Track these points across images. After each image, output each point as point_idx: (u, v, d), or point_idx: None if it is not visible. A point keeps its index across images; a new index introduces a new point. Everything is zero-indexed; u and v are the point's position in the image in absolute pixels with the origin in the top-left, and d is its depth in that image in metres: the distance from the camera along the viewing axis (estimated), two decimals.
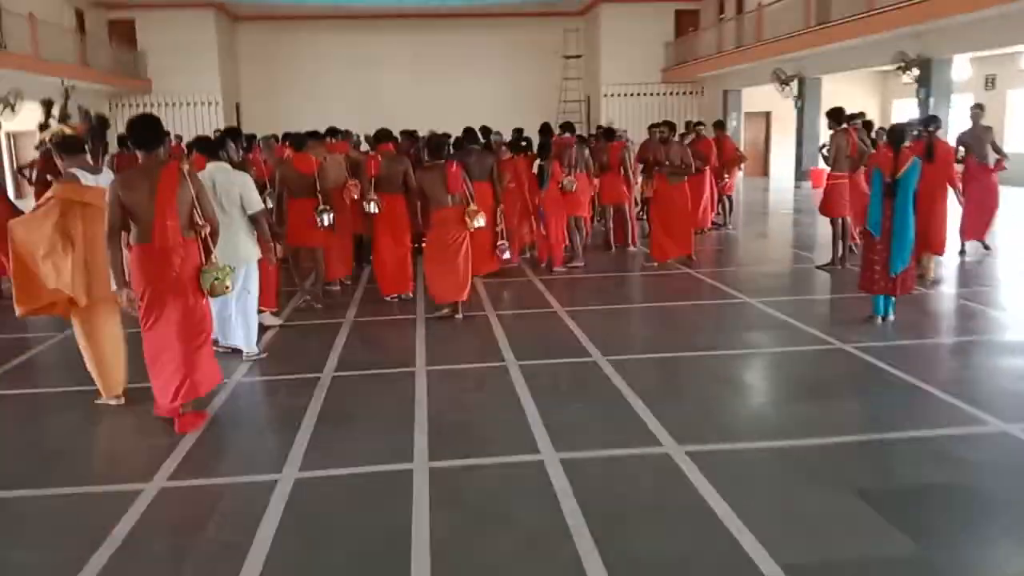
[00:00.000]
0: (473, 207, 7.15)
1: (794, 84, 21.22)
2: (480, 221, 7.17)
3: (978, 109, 9.87)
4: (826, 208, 9.17)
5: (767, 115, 26.86)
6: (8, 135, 22.75)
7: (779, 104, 23.70)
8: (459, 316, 7.28)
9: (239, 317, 6.10)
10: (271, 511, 3.55)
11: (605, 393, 5.09)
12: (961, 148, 9.75)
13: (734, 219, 13.40)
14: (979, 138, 9.75)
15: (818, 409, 4.76)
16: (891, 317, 6.69)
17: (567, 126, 10.77)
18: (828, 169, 9.23)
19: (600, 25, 27.97)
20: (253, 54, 29.15)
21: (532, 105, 28.86)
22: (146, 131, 4.56)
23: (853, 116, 9.59)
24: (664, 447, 4.16)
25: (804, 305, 7.63)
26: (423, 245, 7.64)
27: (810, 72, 20.69)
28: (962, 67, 19.59)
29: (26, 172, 11.38)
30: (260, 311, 7.04)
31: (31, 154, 14.84)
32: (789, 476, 3.84)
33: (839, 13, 17.16)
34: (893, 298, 6.68)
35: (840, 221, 9.16)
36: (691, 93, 28.31)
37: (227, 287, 4.64)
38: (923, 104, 15.89)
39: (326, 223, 7.66)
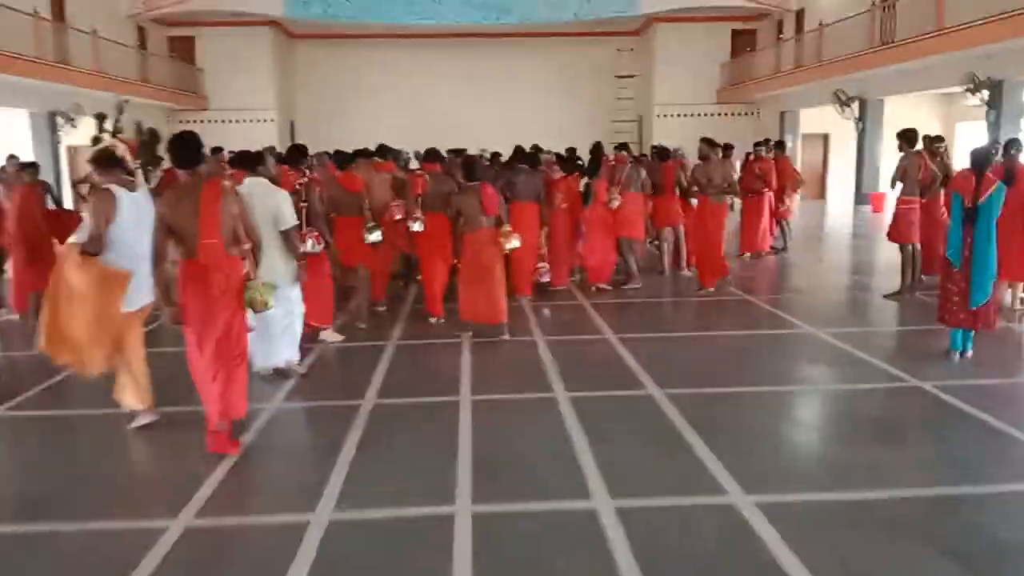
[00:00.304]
0: (507, 227, 7.04)
1: (855, 105, 20.61)
2: (515, 242, 7.07)
3: None
4: (895, 234, 8.69)
5: (825, 137, 26.18)
6: (69, 148, 23.26)
7: (838, 126, 23.06)
8: (505, 336, 7.11)
9: (286, 334, 6.04)
10: (301, 558, 3.29)
11: (662, 431, 4.75)
12: None
13: (793, 243, 12.86)
14: None
15: (894, 454, 4.36)
16: (969, 353, 6.22)
17: (622, 146, 10.45)
18: (896, 193, 8.77)
19: (654, 44, 27.65)
20: (309, 72, 29.48)
21: (585, 125, 28.64)
22: (186, 149, 4.52)
23: (935, 139, 9.10)
24: (729, 494, 3.81)
25: (872, 337, 7.18)
26: (457, 265, 7.50)
27: (872, 93, 20.07)
28: None
29: (80, 188, 11.52)
30: (319, 328, 7.00)
31: (85, 168, 15.00)
32: (866, 532, 3.45)
33: (905, 32, 16.59)
34: (972, 332, 6.22)
35: (910, 247, 8.67)
36: (747, 114, 27.75)
37: (267, 302, 4.56)
38: (992, 127, 15.22)
39: (373, 240, 7.48)
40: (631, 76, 29.22)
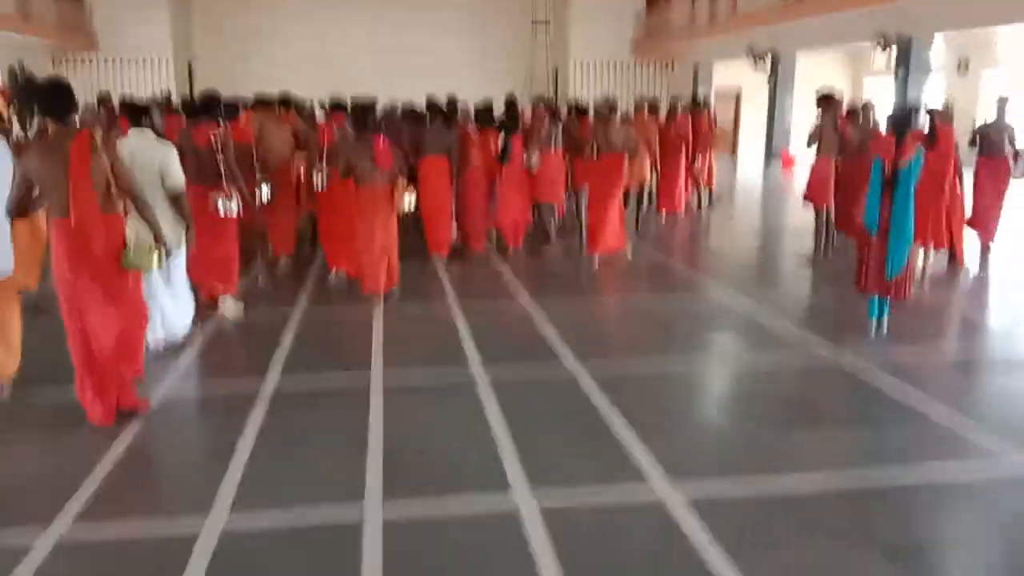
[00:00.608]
0: (403, 183, 6.71)
1: (767, 60, 20.72)
2: (409, 201, 6.76)
3: (1003, 102, 8.84)
4: (809, 194, 8.70)
5: (738, 92, 26.37)
6: None
7: (750, 81, 23.22)
8: (388, 295, 6.88)
9: (173, 302, 5.58)
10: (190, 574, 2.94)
11: (583, 413, 4.53)
12: (976, 139, 8.85)
13: (708, 204, 12.83)
14: (1000, 131, 8.67)
15: (819, 439, 4.23)
16: (885, 320, 6.23)
17: (541, 100, 10.09)
18: (812, 153, 8.74)
19: None
20: (208, 9, 27.78)
21: (501, 73, 28.00)
22: (56, 98, 4.14)
23: (864, 106, 8.93)
24: (654, 489, 3.61)
25: (789, 303, 7.16)
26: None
27: (784, 48, 20.19)
28: (935, 50, 19.25)
29: None
30: (218, 297, 6.50)
31: None
32: (800, 528, 3.32)
33: None
34: (888, 300, 6.21)
35: (824, 209, 8.70)
36: (664, 66, 27.68)
37: (145, 265, 4.24)
38: (901, 83, 15.50)
39: (263, 199, 6.98)
40: (547, 22, 28.65)
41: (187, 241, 5.21)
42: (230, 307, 6.51)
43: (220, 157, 6.16)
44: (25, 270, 5.58)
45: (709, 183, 12.66)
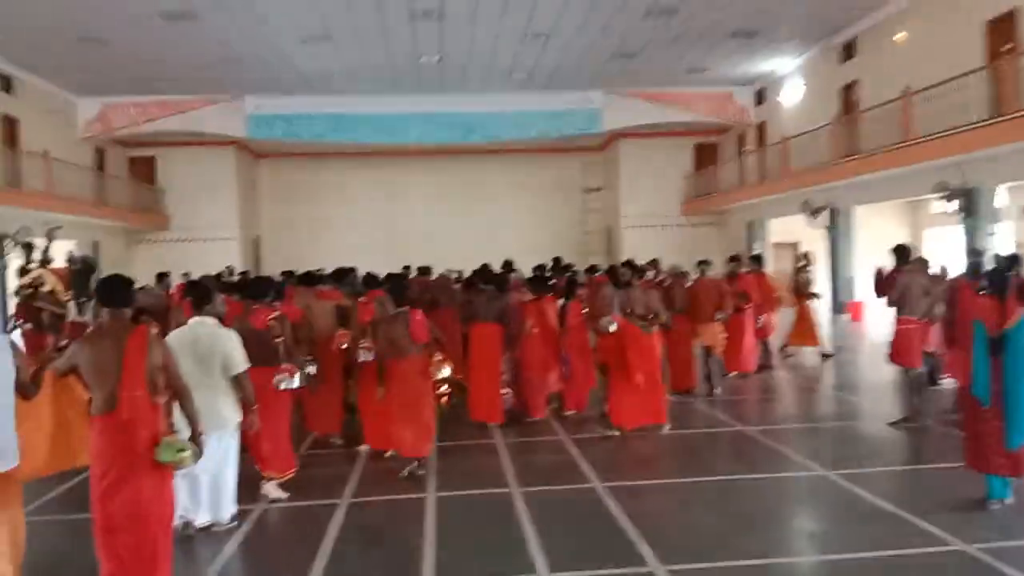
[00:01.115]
0: (439, 357, 6.75)
1: (825, 214, 20.50)
2: (445, 371, 6.79)
3: None
4: (897, 356, 8.06)
5: (795, 245, 26.10)
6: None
7: (807, 233, 22.96)
8: (421, 472, 6.65)
9: (211, 489, 5.44)
10: None
11: None
12: None
13: (776, 362, 12.17)
14: None
15: None
16: (1009, 500, 5.45)
17: (593, 269, 9.92)
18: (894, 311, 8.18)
19: (619, 159, 27.79)
20: (274, 190, 29.16)
21: (554, 238, 28.44)
22: (116, 290, 4.26)
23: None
24: None
25: (894, 480, 6.39)
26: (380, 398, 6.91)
27: (842, 202, 20.01)
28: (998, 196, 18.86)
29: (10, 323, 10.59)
30: (267, 478, 6.17)
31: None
32: None
33: (871, 144, 16.57)
34: (1010, 479, 5.46)
35: (914, 371, 8.03)
36: (713, 225, 27.74)
37: (184, 459, 4.15)
38: (970, 234, 14.98)
39: (309, 376, 6.63)
40: (598, 189, 29.27)
41: (251, 423, 5.39)
42: (272, 490, 6.14)
43: (279, 339, 6.10)
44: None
45: (804, 340, 12.30)
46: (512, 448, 7.58)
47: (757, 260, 12.35)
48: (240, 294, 7.11)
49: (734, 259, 11.78)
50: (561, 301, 9.04)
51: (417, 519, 5.64)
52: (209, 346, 5.26)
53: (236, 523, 5.54)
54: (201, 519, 5.42)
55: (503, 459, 7.20)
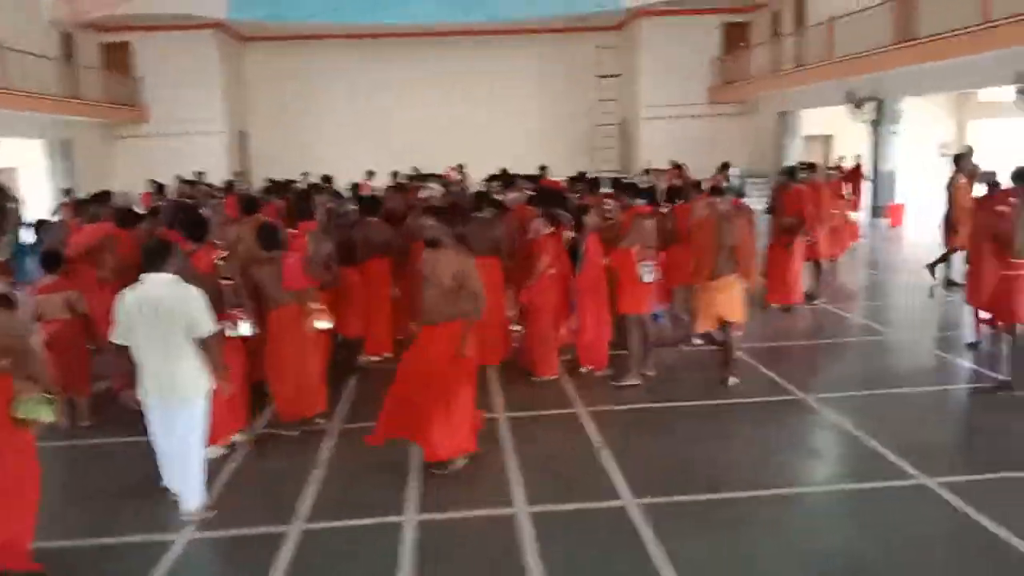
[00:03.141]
0: (313, 304, 5.90)
1: (869, 106, 18.40)
2: (323, 323, 5.96)
3: None
4: (1002, 310, 6.44)
5: (827, 139, 24.01)
6: None
7: (844, 127, 20.89)
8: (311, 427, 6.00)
9: (177, 466, 4.78)
10: None
11: None
12: None
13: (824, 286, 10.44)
14: None
15: None
16: None
17: (628, 187, 8.14)
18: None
19: (639, 40, 25.31)
20: (261, 78, 26.90)
21: (562, 131, 26.45)
22: None
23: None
24: None
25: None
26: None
27: (890, 94, 17.87)
28: None
29: None
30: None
31: None
32: None
33: (934, 27, 14.33)
34: None
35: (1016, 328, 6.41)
36: (741, 115, 25.51)
37: (43, 416, 4.06)
38: None
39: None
40: (614, 76, 26.85)
41: (224, 388, 4.91)
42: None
43: (228, 282, 5.59)
44: None
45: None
46: (513, 428, 6.07)
47: (812, 168, 10.47)
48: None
49: (809, 167, 9.91)
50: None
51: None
52: (170, 308, 4.56)
53: (208, 515, 4.78)
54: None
55: (502, 448, 5.71)
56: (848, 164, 15.53)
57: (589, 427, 6.01)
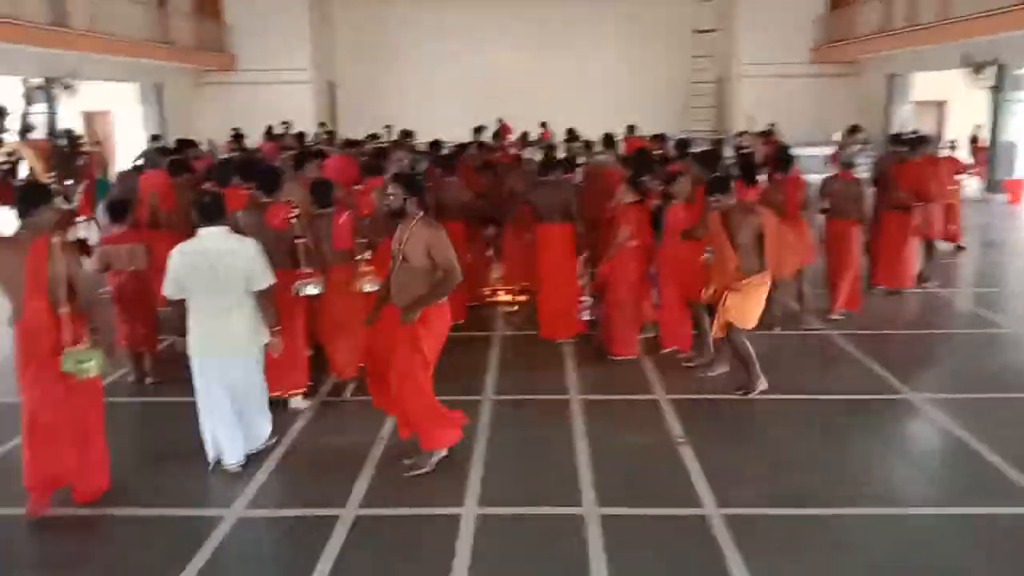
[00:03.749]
0: (364, 268, 5.60)
1: (988, 71, 16.94)
2: (372, 285, 5.49)
3: None
4: None
5: (940, 105, 22.41)
6: (84, 116, 21.06)
7: (959, 93, 19.39)
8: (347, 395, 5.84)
9: (242, 424, 4.78)
10: None
11: None
12: None
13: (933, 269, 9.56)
14: None
15: None
16: None
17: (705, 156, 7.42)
18: None
19: None
20: (350, 29, 26.65)
21: (654, 88, 25.42)
22: (24, 200, 4.16)
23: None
24: None
25: None
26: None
27: (1012, 58, 16.39)
28: None
29: None
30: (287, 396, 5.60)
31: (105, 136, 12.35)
32: None
33: None
34: None
35: None
36: (845, 76, 24.01)
37: (88, 372, 4.13)
38: None
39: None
40: (711, 31, 25.57)
41: (276, 345, 4.79)
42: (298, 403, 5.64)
43: (301, 240, 5.40)
44: None
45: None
46: (586, 412, 5.63)
47: (924, 142, 9.49)
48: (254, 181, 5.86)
49: (923, 141, 9.01)
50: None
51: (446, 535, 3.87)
52: (228, 261, 4.53)
53: (273, 440, 5.03)
54: (232, 459, 4.76)
55: (573, 435, 5.29)
56: (983, 137, 14.29)
57: (669, 417, 5.52)
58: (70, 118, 18.50)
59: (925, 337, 7.55)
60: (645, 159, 7.71)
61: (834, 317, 7.67)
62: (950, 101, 21.73)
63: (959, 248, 10.78)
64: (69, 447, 4.20)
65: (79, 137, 8.50)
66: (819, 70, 24.05)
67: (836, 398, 5.92)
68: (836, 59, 23.50)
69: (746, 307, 5.72)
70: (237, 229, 4.97)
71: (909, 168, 8.19)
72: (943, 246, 10.01)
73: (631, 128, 13.59)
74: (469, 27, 25.67)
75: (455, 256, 4.62)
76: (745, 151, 10.10)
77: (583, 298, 7.15)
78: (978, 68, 16.86)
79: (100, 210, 6.65)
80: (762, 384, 5.85)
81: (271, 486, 4.62)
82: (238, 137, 12.14)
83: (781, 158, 7.52)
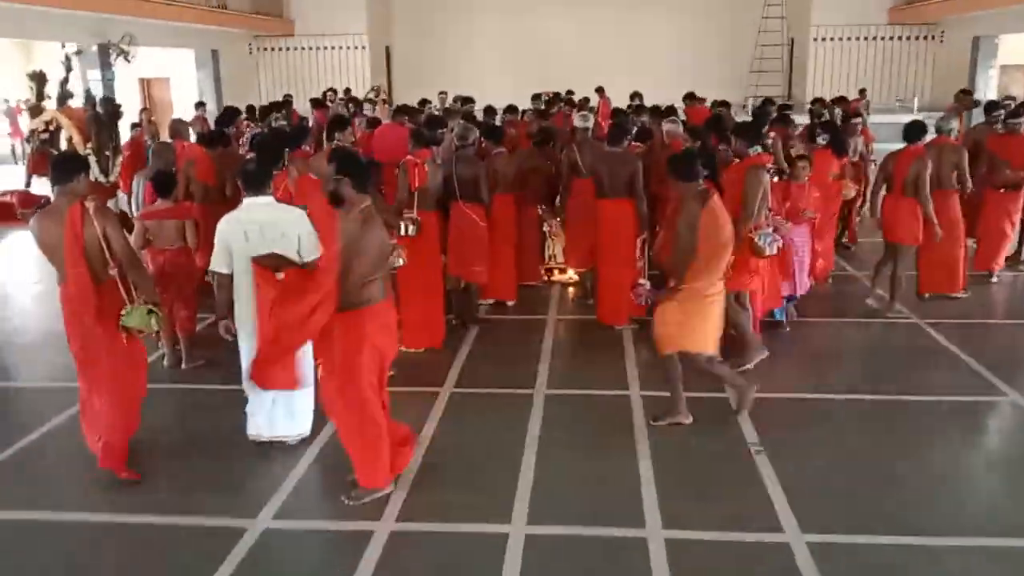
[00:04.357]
0: (409, 214, 5.73)
1: None
2: (411, 230, 5.64)
3: None
4: None
5: None
6: (142, 82, 21.04)
7: None
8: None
9: (283, 404, 4.61)
10: None
11: None
12: None
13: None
14: None
15: None
16: None
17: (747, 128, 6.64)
18: None
19: None
20: None
21: (720, 51, 24.22)
22: (58, 168, 4.26)
23: None
24: None
25: None
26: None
27: None
28: None
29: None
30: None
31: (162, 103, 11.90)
32: None
33: None
34: None
35: None
36: (927, 38, 22.57)
37: (143, 328, 4.24)
38: None
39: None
40: None
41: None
42: None
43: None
44: None
45: None
46: (648, 411, 5.13)
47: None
48: None
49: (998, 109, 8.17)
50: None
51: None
52: (280, 230, 4.36)
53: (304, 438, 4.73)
54: (271, 433, 4.67)
55: (635, 438, 4.80)
56: None
57: (742, 418, 4.99)
58: (128, 85, 18.49)
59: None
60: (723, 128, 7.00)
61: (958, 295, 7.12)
62: None
63: None
64: (108, 409, 4.31)
65: (118, 105, 8.21)
66: (898, 31, 22.62)
67: (930, 400, 5.30)
68: (916, 19, 22.05)
69: (697, 323, 4.67)
70: None
71: (1015, 141, 7.37)
72: None
73: (691, 96, 12.77)
74: None
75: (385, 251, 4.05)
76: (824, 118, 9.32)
77: (641, 280, 6.53)
78: None
79: (136, 183, 6.33)
80: (684, 418, 4.91)
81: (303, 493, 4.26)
82: (282, 104, 11.77)
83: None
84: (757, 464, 4.44)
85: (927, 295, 7.18)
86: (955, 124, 7.05)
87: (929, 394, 5.37)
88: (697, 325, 4.68)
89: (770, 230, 5.52)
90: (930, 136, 6.87)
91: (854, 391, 5.40)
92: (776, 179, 6.17)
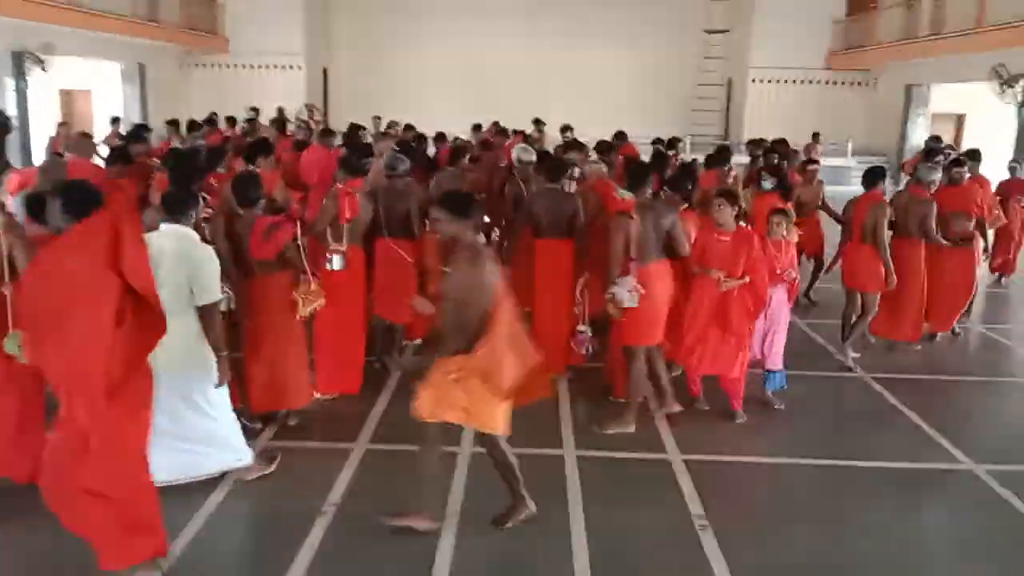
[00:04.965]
0: (310, 286, 4.87)
1: (1019, 86, 16.00)
2: (309, 309, 4.89)
3: None
4: None
5: (959, 119, 21.47)
6: (63, 94, 19.96)
7: (978, 106, 18.51)
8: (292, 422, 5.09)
9: (207, 441, 4.25)
10: None
11: None
12: None
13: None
14: None
15: None
16: None
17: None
18: None
19: None
20: (346, 14, 25.48)
21: (659, 88, 24.32)
22: None
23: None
24: None
25: None
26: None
27: None
28: None
29: None
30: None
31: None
32: None
33: None
34: None
35: None
36: (862, 84, 23.03)
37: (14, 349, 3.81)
38: None
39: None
40: (723, 31, 24.53)
41: (222, 376, 4.13)
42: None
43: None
44: None
45: None
46: (582, 477, 4.65)
47: (974, 157, 8.51)
48: None
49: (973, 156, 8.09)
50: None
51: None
52: (175, 265, 3.98)
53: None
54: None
55: (568, 511, 4.30)
56: None
57: (685, 486, 4.54)
58: (47, 96, 17.50)
59: (980, 386, 6.59)
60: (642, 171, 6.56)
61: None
62: (969, 114, 20.80)
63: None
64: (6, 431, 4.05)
65: (8, 118, 7.52)
66: (833, 76, 23.06)
67: (882, 467, 4.95)
68: (852, 66, 22.52)
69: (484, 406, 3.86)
70: None
71: (960, 192, 7.19)
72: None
73: (620, 135, 12.00)
74: (468, 18, 24.46)
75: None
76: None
77: (580, 327, 6.04)
78: (1008, 82, 15.91)
79: (15, 202, 5.66)
80: (528, 512, 4.11)
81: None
82: (209, 122, 11.10)
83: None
84: (701, 540, 3.99)
85: (875, 339, 6.95)
86: (937, 176, 6.81)
87: (882, 460, 5.02)
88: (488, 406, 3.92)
89: (631, 280, 5.11)
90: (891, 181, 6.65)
91: (803, 456, 5.02)
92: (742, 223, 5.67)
